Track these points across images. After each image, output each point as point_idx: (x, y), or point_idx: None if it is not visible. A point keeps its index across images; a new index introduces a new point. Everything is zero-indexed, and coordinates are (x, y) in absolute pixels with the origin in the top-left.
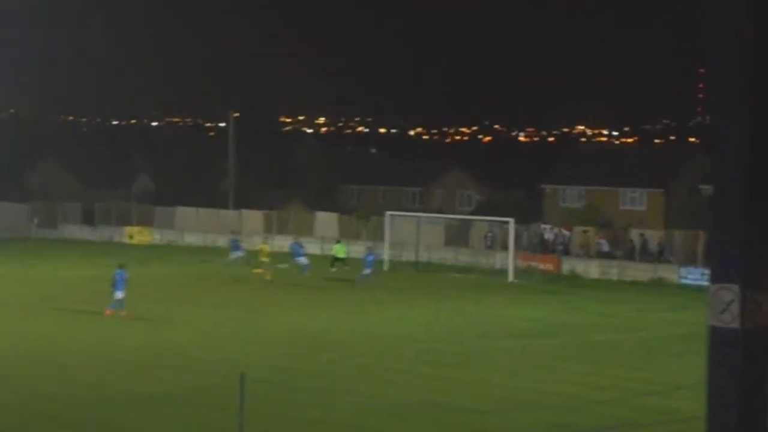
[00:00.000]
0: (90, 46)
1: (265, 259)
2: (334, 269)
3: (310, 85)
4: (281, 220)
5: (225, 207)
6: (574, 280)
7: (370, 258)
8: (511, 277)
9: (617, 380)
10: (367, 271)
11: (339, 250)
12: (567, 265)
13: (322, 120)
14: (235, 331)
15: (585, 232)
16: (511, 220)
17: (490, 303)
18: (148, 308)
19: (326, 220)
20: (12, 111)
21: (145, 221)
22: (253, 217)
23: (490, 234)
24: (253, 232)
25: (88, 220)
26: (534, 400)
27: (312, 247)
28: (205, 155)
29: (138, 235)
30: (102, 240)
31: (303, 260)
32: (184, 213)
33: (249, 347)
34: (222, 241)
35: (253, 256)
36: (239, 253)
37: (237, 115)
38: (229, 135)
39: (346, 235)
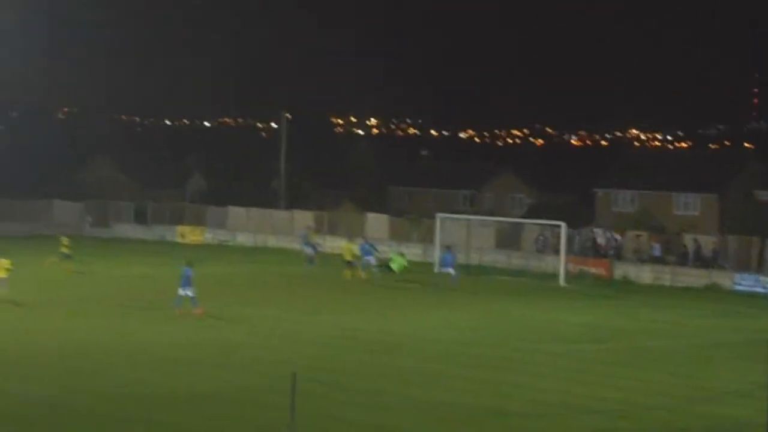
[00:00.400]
0: (143, 47)
1: (351, 259)
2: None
3: (362, 86)
4: (332, 221)
5: (276, 207)
6: (627, 285)
7: (450, 257)
8: (562, 282)
9: (668, 386)
10: (451, 269)
11: (395, 261)
12: (619, 270)
13: (373, 121)
14: (287, 330)
15: (638, 236)
16: (562, 223)
17: (540, 307)
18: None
19: (377, 222)
20: (66, 110)
21: (197, 221)
22: (304, 218)
23: (541, 237)
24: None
25: (141, 218)
26: (583, 405)
27: None
28: (257, 156)
29: (190, 234)
30: (154, 239)
31: (372, 260)
32: (236, 213)
33: (300, 347)
34: (272, 241)
35: (322, 257)
36: (310, 250)
37: (289, 116)
38: (282, 136)
39: (396, 237)
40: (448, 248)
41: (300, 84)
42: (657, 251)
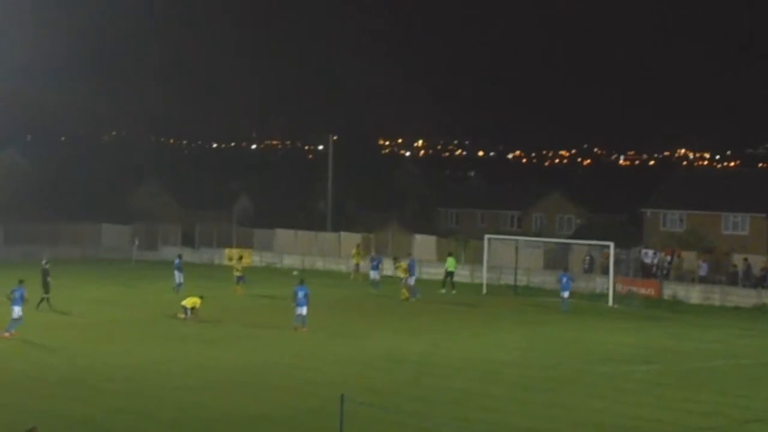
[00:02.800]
0: (190, 71)
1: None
2: (443, 290)
3: (409, 108)
4: (379, 243)
5: (323, 229)
6: (676, 306)
7: (565, 279)
8: (611, 302)
9: (719, 407)
10: (565, 294)
11: (450, 264)
12: (668, 290)
13: (420, 143)
14: (336, 353)
15: (679, 256)
16: (611, 244)
17: (589, 328)
18: (249, 331)
19: (424, 243)
20: (114, 134)
21: (245, 243)
22: (352, 240)
23: (587, 258)
24: (351, 254)
25: (188, 241)
26: (634, 427)
27: None
28: (304, 178)
29: (237, 256)
30: (202, 262)
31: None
32: (283, 235)
33: (349, 369)
34: (320, 263)
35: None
36: (376, 274)
37: (336, 138)
38: (328, 157)
39: (444, 258)
40: (564, 270)
41: (346, 106)
42: (704, 271)
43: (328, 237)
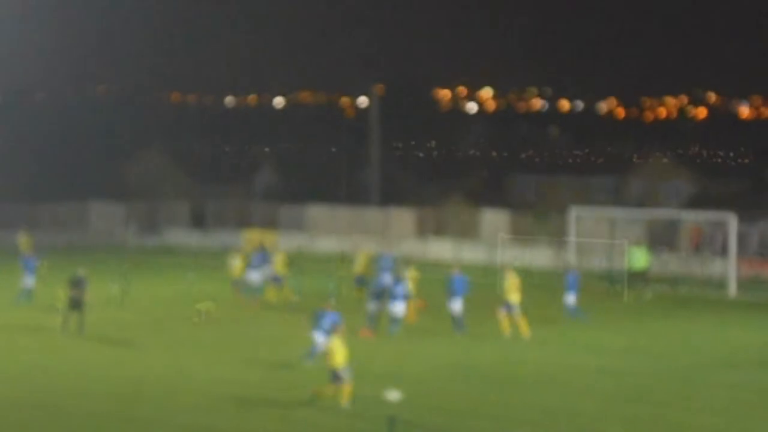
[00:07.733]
0: (198, 7)
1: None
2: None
3: (471, 48)
4: (438, 220)
5: (367, 204)
6: None
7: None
8: (732, 291)
9: None
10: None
11: (639, 259)
12: None
13: (488, 92)
14: (383, 363)
15: None
16: (731, 216)
17: (707, 324)
18: (269, 334)
19: (495, 219)
20: (104, 86)
21: (268, 223)
22: (403, 217)
23: (704, 235)
24: (402, 235)
25: (199, 222)
26: None
27: (476, 254)
28: (342, 140)
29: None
30: (215, 247)
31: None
32: (316, 212)
33: (399, 383)
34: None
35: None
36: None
37: (381, 88)
38: (373, 115)
39: (520, 237)
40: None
41: (395, 48)
42: None
43: (373, 214)
